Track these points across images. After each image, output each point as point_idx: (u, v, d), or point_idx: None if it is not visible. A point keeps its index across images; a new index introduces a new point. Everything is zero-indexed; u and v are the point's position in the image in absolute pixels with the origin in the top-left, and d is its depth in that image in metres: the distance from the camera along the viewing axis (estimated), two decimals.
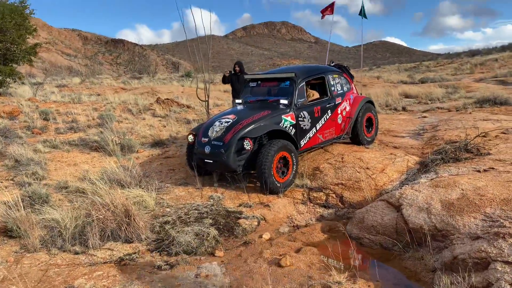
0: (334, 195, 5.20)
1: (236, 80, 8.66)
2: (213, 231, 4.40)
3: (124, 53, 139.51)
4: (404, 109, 13.28)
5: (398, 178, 5.24)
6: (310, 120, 6.09)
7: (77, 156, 7.29)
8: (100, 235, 4.34)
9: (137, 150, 7.73)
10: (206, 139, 5.64)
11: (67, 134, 8.93)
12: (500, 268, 2.47)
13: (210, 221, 4.67)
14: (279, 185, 5.32)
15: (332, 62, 7.93)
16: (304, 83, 6.17)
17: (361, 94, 7.71)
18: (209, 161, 5.54)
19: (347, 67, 7.71)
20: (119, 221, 4.47)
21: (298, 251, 3.89)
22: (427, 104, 14.23)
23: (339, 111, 6.66)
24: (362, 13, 12.47)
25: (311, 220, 4.87)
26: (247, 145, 5.28)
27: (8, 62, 13.66)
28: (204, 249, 4.13)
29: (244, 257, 3.91)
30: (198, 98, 10.16)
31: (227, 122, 5.69)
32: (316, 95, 6.77)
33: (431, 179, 4.44)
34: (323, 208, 5.10)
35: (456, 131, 7.36)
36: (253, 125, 5.49)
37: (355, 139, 6.92)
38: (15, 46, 13.35)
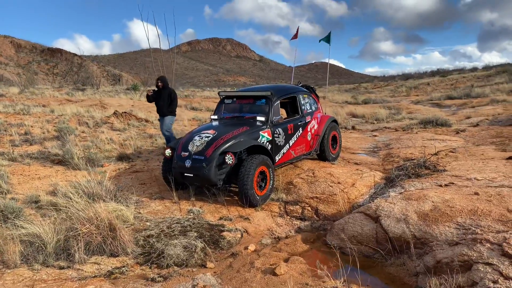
0: (309, 208, 5.50)
1: (159, 96, 8.25)
2: (200, 244, 4.50)
3: (62, 63, 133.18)
4: (353, 128, 14.07)
5: (368, 192, 5.66)
6: (284, 137, 6.39)
7: (40, 169, 7.02)
8: (84, 249, 4.29)
9: (103, 164, 7.58)
10: (187, 153, 5.70)
11: (23, 147, 8.54)
12: (482, 269, 2.86)
13: (195, 234, 4.76)
14: (258, 198, 5.52)
15: (300, 83, 8.26)
16: (279, 101, 6.47)
17: (325, 113, 8.03)
18: (189, 175, 5.62)
19: (314, 88, 8.09)
20: (104, 235, 4.44)
21: (286, 260, 4.10)
22: (374, 123, 15.18)
23: (309, 129, 7.03)
24: (327, 39, 13.28)
25: (291, 232, 5.11)
26: (229, 159, 5.45)
27: None
28: (195, 261, 4.22)
29: (236, 267, 4.05)
30: None
31: (208, 137, 5.80)
32: (282, 112, 7.05)
33: (400, 193, 4.88)
34: (300, 220, 5.38)
35: (409, 149, 8.01)
36: (233, 140, 5.66)
37: (322, 156, 7.34)
38: None
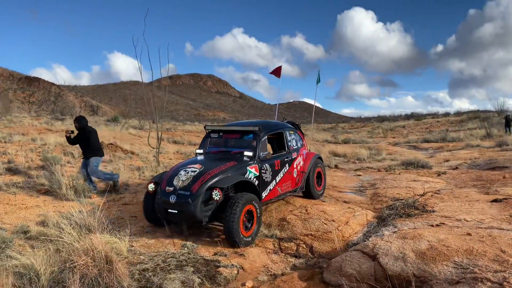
0: (304, 245, 5.53)
1: (79, 137, 7.89)
2: (197, 279, 4.46)
3: (39, 92, 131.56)
4: (336, 166, 14.31)
5: (361, 230, 5.76)
6: (271, 173, 6.30)
7: (26, 199, 6.86)
8: (79, 282, 4.18)
9: (91, 196, 7.46)
10: (171, 188, 5.48)
11: (6, 176, 8.33)
12: None
13: (192, 269, 4.71)
14: (244, 239, 5.36)
15: (285, 119, 8.29)
16: (266, 137, 6.42)
17: (309, 150, 8.19)
18: (173, 211, 5.40)
19: (299, 124, 8.13)
20: (100, 267, 4.35)
21: None
22: (356, 163, 15.49)
23: (295, 165, 6.99)
24: (317, 79, 13.53)
25: (286, 269, 5.11)
26: (217, 195, 5.26)
27: None
28: None
29: None
30: (149, 145, 10.13)
31: (194, 171, 5.62)
32: (269, 147, 7.07)
33: (394, 232, 4.99)
34: (294, 257, 5.39)
35: (395, 190, 8.22)
36: (221, 175, 5.51)
37: (307, 193, 7.29)
38: None
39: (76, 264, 4.23)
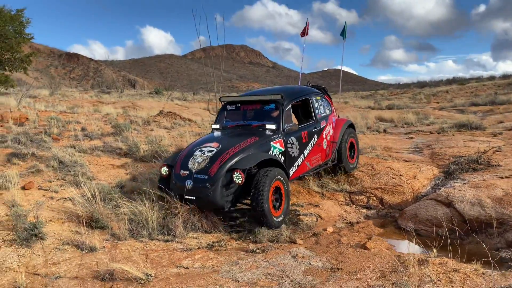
0: (374, 198, 5.92)
1: None
2: (283, 225, 4.97)
3: (78, 68, 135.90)
4: (385, 131, 14.42)
5: (429, 183, 6.07)
6: (298, 147, 5.63)
7: (110, 160, 7.55)
8: (182, 226, 4.77)
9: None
10: (187, 172, 4.86)
11: (85, 141, 9.09)
12: None
13: None
14: (276, 220, 4.83)
15: (309, 83, 7.38)
16: (290, 105, 5.66)
17: (338, 116, 7.41)
18: (190, 197, 4.79)
19: (325, 88, 7.30)
20: (199, 215, 4.93)
21: (369, 239, 4.52)
22: (404, 127, 15.51)
23: (324, 136, 6.24)
24: (343, 33, 12.61)
25: (360, 218, 5.54)
26: (238, 178, 4.63)
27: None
28: (284, 238, 4.66)
29: (324, 244, 4.49)
30: (210, 112, 10.65)
31: (210, 151, 4.97)
32: (292, 117, 6.21)
33: (465, 183, 5.28)
34: (366, 209, 5.81)
35: (454, 149, 8.38)
36: (241, 154, 4.88)
37: (339, 165, 6.50)
38: (10, 54, 13.24)
39: (179, 211, 4.82)
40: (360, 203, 5.91)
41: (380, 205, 5.83)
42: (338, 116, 7.21)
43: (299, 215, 5.38)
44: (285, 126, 5.43)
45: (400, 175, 6.19)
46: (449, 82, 70.04)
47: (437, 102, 32.97)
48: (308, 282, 3.41)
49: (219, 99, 6.22)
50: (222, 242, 4.60)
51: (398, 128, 15.59)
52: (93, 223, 4.73)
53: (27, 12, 13.28)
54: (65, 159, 6.76)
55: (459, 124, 12.66)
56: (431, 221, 4.71)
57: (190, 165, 4.92)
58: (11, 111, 10.50)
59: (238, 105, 5.97)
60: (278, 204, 4.92)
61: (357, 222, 5.38)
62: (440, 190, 5.26)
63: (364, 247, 4.20)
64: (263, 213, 4.62)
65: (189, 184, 4.77)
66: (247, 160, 4.81)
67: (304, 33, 11.28)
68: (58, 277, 3.64)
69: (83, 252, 4.15)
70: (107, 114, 13.15)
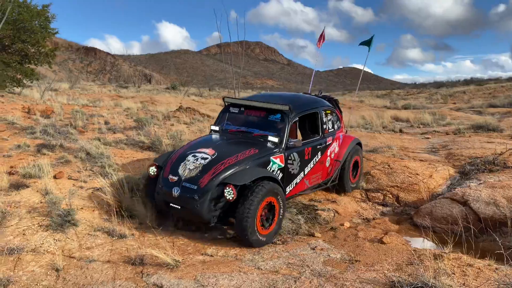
0: (390, 195, 6.08)
1: None
2: (302, 218, 5.17)
3: (96, 62, 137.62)
4: (401, 131, 14.48)
5: (444, 183, 6.21)
6: (299, 163, 5.23)
7: (134, 153, 7.83)
8: None
9: None
10: (175, 178, 4.53)
11: (108, 134, 9.41)
12: None
13: (295, 210, 5.43)
14: (260, 238, 4.37)
15: (320, 92, 7.02)
16: (297, 118, 5.22)
17: (346, 131, 7.00)
18: (175, 206, 4.48)
19: (337, 100, 6.83)
20: None
21: (385, 234, 4.70)
22: (420, 128, 15.54)
23: (328, 153, 5.85)
24: (369, 43, 11.71)
25: (376, 215, 5.71)
26: (230, 194, 4.23)
27: (24, 63, 13.93)
28: (303, 231, 4.87)
29: (341, 237, 4.68)
30: None
31: (204, 158, 4.60)
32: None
33: (480, 183, 5.40)
34: (382, 206, 5.98)
35: (470, 150, 8.45)
36: (237, 167, 4.49)
37: (340, 185, 6.17)
38: (36, 48, 13.66)
39: None
40: (376, 200, 6.07)
41: (396, 203, 5.99)
42: (346, 132, 6.89)
43: (317, 210, 5.57)
44: (289, 141, 4.98)
45: (416, 174, 6.33)
46: (467, 82, 69.04)
47: (454, 103, 32.68)
48: (328, 271, 3.61)
49: (223, 99, 5.79)
50: None
51: (414, 128, 15.62)
52: (122, 211, 4.99)
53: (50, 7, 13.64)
54: (92, 151, 7.05)
55: (476, 126, 12.66)
56: (446, 219, 4.86)
57: (180, 170, 4.57)
58: (37, 104, 10.87)
59: (242, 108, 5.53)
60: (269, 222, 4.49)
61: (373, 219, 5.56)
62: (456, 189, 5.40)
63: (380, 241, 4.38)
64: (243, 230, 4.19)
65: (176, 191, 4.42)
66: (242, 175, 4.40)
67: (320, 42, 10.52)
68: (92, 261, 3.90)
69: (114, 238, 4.41)
70: (128, 109, 13.49)
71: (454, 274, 3.26)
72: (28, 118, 10.02)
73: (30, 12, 12.65)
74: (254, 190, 4.25)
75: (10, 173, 5.73)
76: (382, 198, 6.09)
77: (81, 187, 5.69)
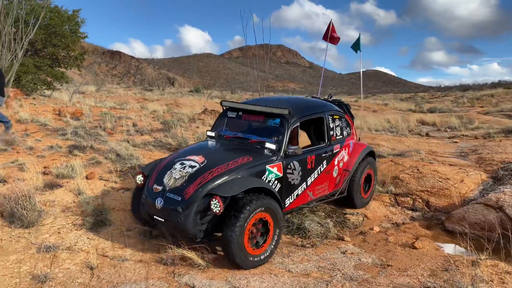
0: (420, 200, 5.98)
1: None
2: (331, 222, 5.13)
3: (120, 65, 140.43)
4: (427, 134, 14.22)
5: (476, 188, 6.06)
6: (301, 173, 4.72)
7: (162, 155, 7.94)
8: None
9: None
10: (160, 188, 4.13)
11: (137, 136, 9.57)
12: None
13: (323, 214, 5.40)
14: (250, 258, 3.87)
15: (331, 96, 6.68)
16: (299, 123, 4.74)
17: (359, 139, 6.58)
18: (159, 218, 4.06)
19: (348, 105, 6.34)
20: None
21: (416, 239, 4.62)
22: (447, 131, 15.23)
23: (335, 162, 5.33)
24: (357, 46, 10.31)
25: (406, 219, 5.62)
26: (216, 206, 3.78)
27: (55, 66, 14.34)
28: (332, 235, 4.84)
29: (371, 242, 4.63)
30: None
31: (192, 167, 4.19)
32: (304, 136, 5.37)
33: None
34: (411, 210, 5.87)
35: (503, 155, 8.23)
36: (226, 177, 4.02)
37: (348, 198, 5.64)
38: (66, 52, 14.03)
39: None
40: (406, 205, 5.98)
41: (426, 208, 5.88)
42: (359, 139, 6.41)
43: (345, 214, 5.53)
44: (288, 149, 4.51)
45: (447, 178, 6.21)
46: (494, 85, 67.34)
47: (482, 107, 31.88)
48: (359, 276, 3.58)
49: (220, 103, 5.42)
50: None
51: (441, 132, 15.32)
52: None
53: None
54: (121, 152, 7.20)
55: (507, 130, 12.33)
56: (479, 225, 4.75)
57: (165, 179, 4.17)
58: (66, 106, 11.16)
59: (240, 113, 5.12)
60: (262, 240, 4.02)
61: (403, 223, 5.47)
62: (489, 194, 5.27)
63: (412, 246, 4.31)
64: (228, 246, 3.75)
65: (159, 203, 4.00)
66: (231, 185, 3.92)
67: (327, 35, 9.59)
68: (125, 260, 3.97)
69: (145, 238, 4.48)
70: (154, 111, 13.71)
71: (492, 282, 3.18)
72: (59, 120, 10.30)
73: (61, 17, 13.03)
74: (240, 204, 3.81)
75: (44, 173, 5.91)
76: (411, 202, 5.99)
77: (112, 188, 5.81)
